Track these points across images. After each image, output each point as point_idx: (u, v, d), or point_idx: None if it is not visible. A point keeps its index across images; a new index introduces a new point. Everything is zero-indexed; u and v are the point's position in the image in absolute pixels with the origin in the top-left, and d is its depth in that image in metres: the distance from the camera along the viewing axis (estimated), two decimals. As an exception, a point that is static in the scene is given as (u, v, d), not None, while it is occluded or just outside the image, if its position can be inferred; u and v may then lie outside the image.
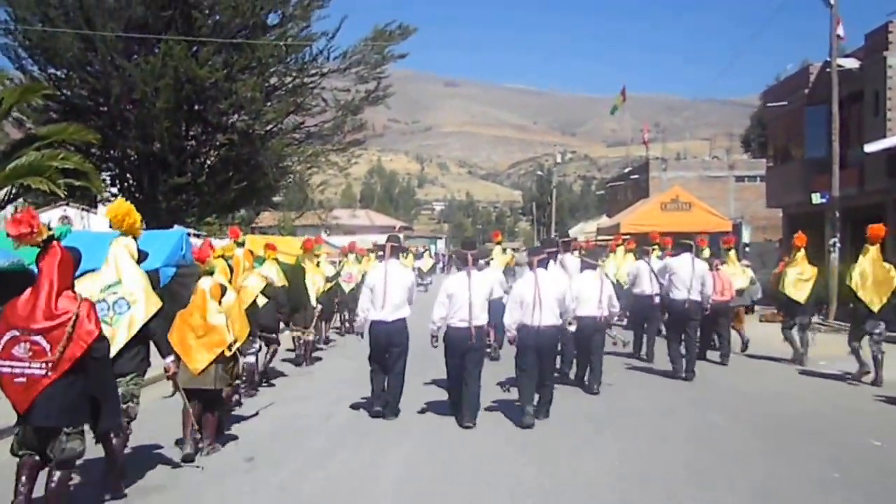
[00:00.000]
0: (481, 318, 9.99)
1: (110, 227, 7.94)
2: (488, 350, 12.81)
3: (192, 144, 25.71)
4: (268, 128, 25.92)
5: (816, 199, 23.63)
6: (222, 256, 10.32)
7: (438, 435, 9.51)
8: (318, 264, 17.74)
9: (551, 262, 10.70)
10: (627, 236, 26.95)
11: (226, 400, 9.23)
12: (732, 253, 17.21)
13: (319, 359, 16.61)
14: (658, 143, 68.30)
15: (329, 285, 17.70)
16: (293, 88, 26.22)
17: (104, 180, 26.12)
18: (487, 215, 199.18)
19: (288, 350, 15.94)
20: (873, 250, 12.78)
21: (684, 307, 13.42)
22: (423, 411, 10.76)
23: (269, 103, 25.40)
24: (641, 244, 20.10)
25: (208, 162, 26.15)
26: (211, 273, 8.78)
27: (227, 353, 8.52)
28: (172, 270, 17.93)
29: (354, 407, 11.10)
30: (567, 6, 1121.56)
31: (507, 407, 10.77)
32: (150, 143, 23.82)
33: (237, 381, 9.96)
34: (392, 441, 9.22)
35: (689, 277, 13.37)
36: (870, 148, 21.51)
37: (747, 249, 30.13)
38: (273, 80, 26.18)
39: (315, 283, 15.92)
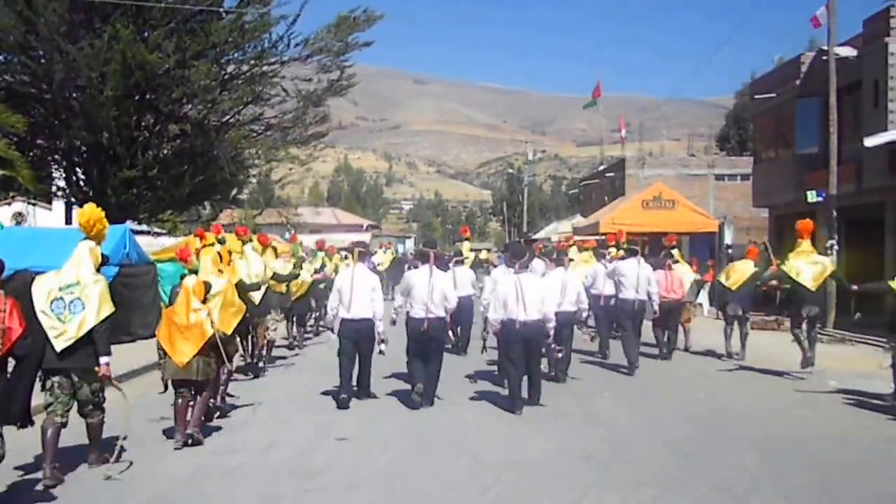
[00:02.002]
0: (439, 311, 11.14)
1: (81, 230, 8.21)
2: (449, 345, 14.11)
3: (143, 135, 23.93)
4: (224, 118, 24.22)
5: (812, 196, 22.21)
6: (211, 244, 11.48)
7: (401, 480, 7.71)
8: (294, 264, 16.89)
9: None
10: (602, 236, 25.87)
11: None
12: (676, 252, 17.81)
13: (278, 359, 15.76)
14: (633, 142, 67.12)
15: (303, 286, 17.62)
16: (251, 77, 24.44)
17: (50, 173, 24.52)
18: (457, 215, 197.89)
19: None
20: (806, 244, 13.63)
21: (633, 307, 14.56)
22: (384, 443, 9.11)
23: (224, 92, 23.66)
24: (601, 246, 20.47)
25: (161, 154, 24.37)
26: (195, 272, 9.49)
27: (226, 335, 9.54)
28: (114, 270, 16.30)
29: (301, 437, 9.42)
30: (538, 4, 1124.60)
31: (482, 443, 9.32)
32: (97, 133, 22.07)
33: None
34: (344, 487, 7.48)
35: (636, 279, 14.57)
36: (870, 142, 20.11)
37: (730, 251, 28.86)
38: (230, 69, 24.46)
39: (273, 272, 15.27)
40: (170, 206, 25.09)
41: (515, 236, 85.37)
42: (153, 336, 16.53)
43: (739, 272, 16.08)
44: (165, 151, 24.50)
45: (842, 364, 14.92)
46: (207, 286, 9.43)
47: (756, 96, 29.51)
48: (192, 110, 23.69)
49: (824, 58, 22.08)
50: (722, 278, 16.62)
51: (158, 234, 29.54)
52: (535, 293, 10.85)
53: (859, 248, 21.33)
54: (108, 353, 7.82)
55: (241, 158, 25.67)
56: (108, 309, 7.80)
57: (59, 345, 7.53)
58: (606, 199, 44.28)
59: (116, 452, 7.93)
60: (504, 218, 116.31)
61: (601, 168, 55.21)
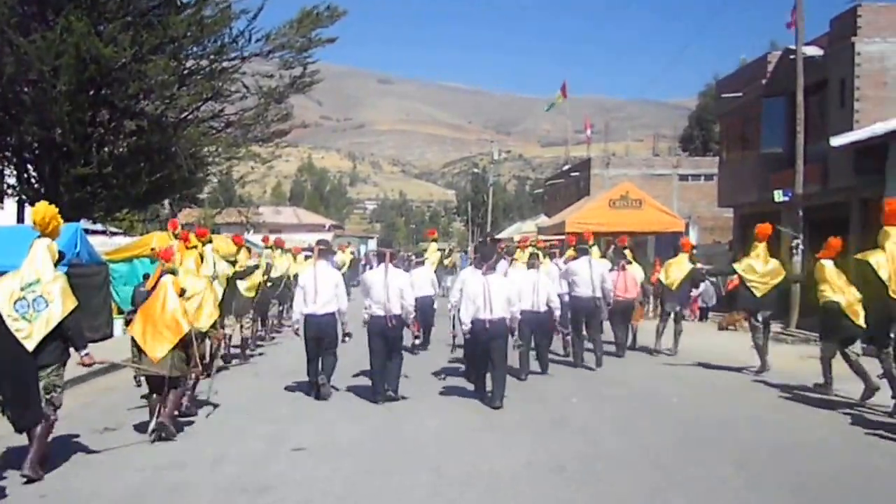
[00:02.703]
0: (396, 308, 11.43)
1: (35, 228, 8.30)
2: (416, 342, 16.04)
3: (98, 131, 23.23)
4: (182, 115, 23.58)
5: (779, 196, 22.07)
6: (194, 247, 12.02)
7: (359, 496, 7.20)
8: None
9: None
10: (566, 235, 25.73)
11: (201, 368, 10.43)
12: (628, 252, 18.22)
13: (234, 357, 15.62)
14: (597, 143, 67.10)
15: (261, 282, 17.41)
16: (211, 72, 23.80)
17: (0, 171, 23.77)
18: (421, 215, 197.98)
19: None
20: (761, 248, 13.99)
21: (591, 304, 14.83)
22: (342, 455, 8.61)
23: (183, 88, 23.03)
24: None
25: (117, 151, 23.68)
26: (172, 272, 9.68)
27: (195, 342, 9.71)
28: (63, 269, 15.70)
29: (253, 448, 8.79)
30: (502, 5, 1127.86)
31: (446, 454, 8.84)
32: (49, 129, 21.36)
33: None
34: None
35: (590, 277, 14.87)
36: (836, 141, 20.03)
37: (695, 251, 28.72)
38: (189, 64, 23.80)
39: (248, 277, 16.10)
40: (126, 204, 24.43)
41: (479, 236, 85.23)
42: (104, 339, 16.10)
43: (677, 270, 16.50)
44: (122, 148, 23.80)
45: (809, 365, 14.58)
46: (182, 290, 9.77)
47: (722, 95, 29.45)
48: (148, 106, 23.04)
49: (791, 57, 21.97)
50: (662, 277, 16.90)
51: (115, 234, 28.87)
52: (502, 293, 11.48)
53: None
54: (85, 347, 8.09)
55: (201, 156, 25.08)
56: (73, 303, 7.93)
57: (30, 345, 7.59)
58: (571, 198, 44.15)
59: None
60: (468, 218, 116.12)
61: (566, 168, 55.09)
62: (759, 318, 14.04)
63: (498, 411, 10.73)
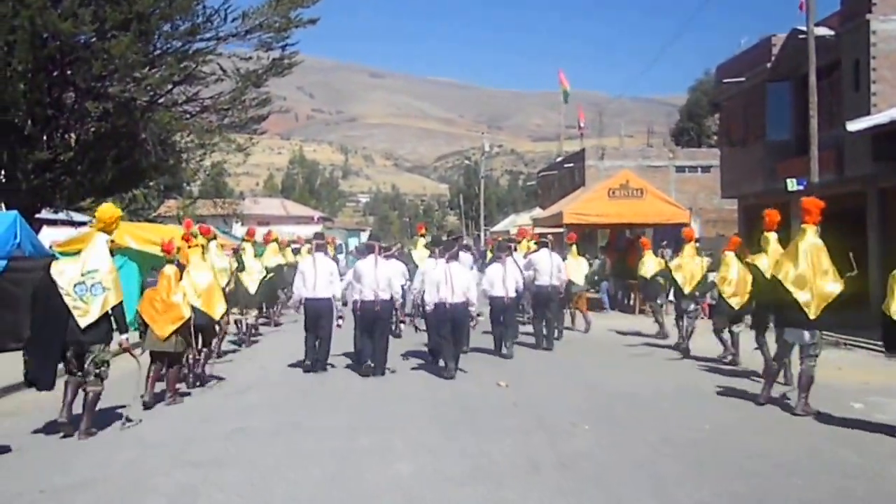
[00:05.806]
0: (386, 293, 13.29)
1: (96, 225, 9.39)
2: (403, 324, 17.50)
3: (63, 115, 21.64)
4: (152, 98, 21.96)
5: (792, 185, 20.64)
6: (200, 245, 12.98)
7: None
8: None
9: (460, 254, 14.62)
10: (564, 228, 24.52)
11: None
12: (574, 248, 19.84)
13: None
14: (589, 137, 65.78)
15: (270, 274, 19.08)
16: (183, 53, 22.19)
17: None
18: (415, 208, 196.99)
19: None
20: (689, 247, 15.85)
21: (548, 291, 16.34)
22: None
23: (153, 69, 21.42)
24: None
25: (81, 136, 22.08)
26: (172, 262, 11.11)
27: (212, 319, 12.08)
28: (2, 264, 14.28)
29: None
30: (494, 1, 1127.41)
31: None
32: (5, 111, 19.76)
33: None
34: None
35: (549, 268, 16.40)
36: (853, 126, 18.61)
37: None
38: (159, 43, 22.18)
39: (252, 270, 17.71)
40: (90, 192, 22.83)
41: (474, 229, 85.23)
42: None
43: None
44: (87, 133, 22.21)
45: (854, 376, 12.45)
46: (179, 275, 11.13)
47: (724, 81, 27.93)
48: (114, 88, 21.43)
49: (801, 37, 20.49)
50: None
51: (81, 224, 27.29)
52: (462, 280, 13.34)
53: (839, 241, 19.81)
54: (127, 331, 9.28)
55: (172, 142, 23.49)
56: (121, 294, 9.11)
57: (83, 322, 8.74)
58: (566, 190, 42.76)
59: (123, 419, 9.38)
60: (461, 211, 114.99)
61: (560, 159, 53.74)
62: (685, 307, 15.42)
63: (493, 450, 8.31)
